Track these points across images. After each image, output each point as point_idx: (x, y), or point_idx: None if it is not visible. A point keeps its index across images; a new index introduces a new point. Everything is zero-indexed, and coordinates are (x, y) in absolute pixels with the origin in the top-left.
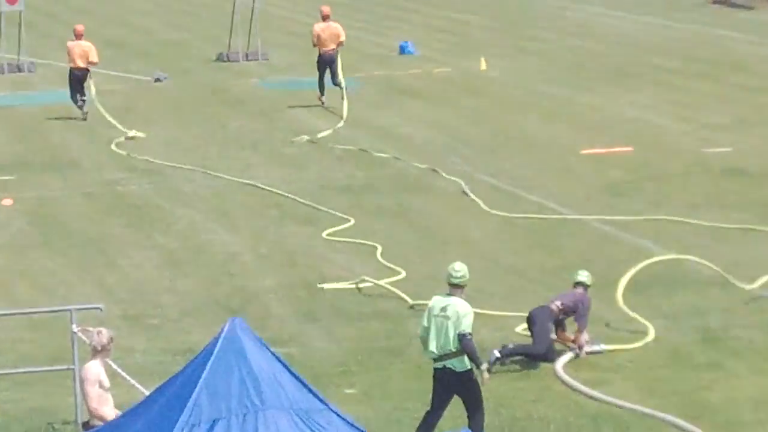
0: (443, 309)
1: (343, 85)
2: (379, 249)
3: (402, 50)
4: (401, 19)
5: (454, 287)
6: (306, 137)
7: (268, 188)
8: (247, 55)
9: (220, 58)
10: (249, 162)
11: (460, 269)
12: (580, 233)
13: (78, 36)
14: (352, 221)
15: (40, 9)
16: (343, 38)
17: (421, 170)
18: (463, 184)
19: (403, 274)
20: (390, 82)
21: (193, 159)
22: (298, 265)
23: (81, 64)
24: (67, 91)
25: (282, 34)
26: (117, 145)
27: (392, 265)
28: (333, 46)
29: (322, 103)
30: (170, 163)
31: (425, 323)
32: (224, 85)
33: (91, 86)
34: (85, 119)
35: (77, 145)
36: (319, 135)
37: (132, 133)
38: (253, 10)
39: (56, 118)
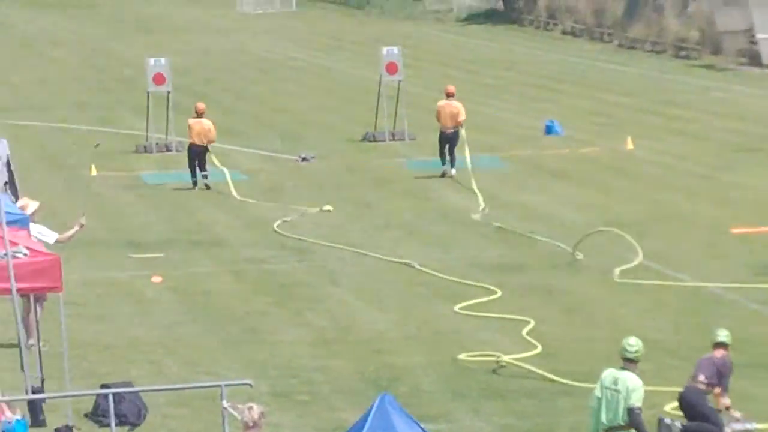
0: (614, 382)
1: (454, 164)
2: (531, 323)
3: (548, 130)
4: (548, 99)
5: (628, 362)
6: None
7: (416, 266)
8: (393, 135)
9: (366, 138)
10: (396, 240)
11: (634, 344)
12: (731, 312)
13: (199, 114)
14: (499, 293)
15: (189, 89)
16: (462, 118)
17: (567, 249)
18: (609, 264)
19: (539, 348)
20: (536, 162)
21: (340, 237)
22: (445, 341)
23: (199, 141)
24: (211, 170)
25: (427, 114)
26: (279, 226)
27: (534, 341)
28: (452, 124)
29: (443, 174)
30: (319, 241)
31: (598, 394)
32: (370, 164)
33: (214, 161)
34: (208, 188)
35: (225, 223)
36: (473, 216)
37: (327, 207)
38: (398, 91)
39: (204, 196)
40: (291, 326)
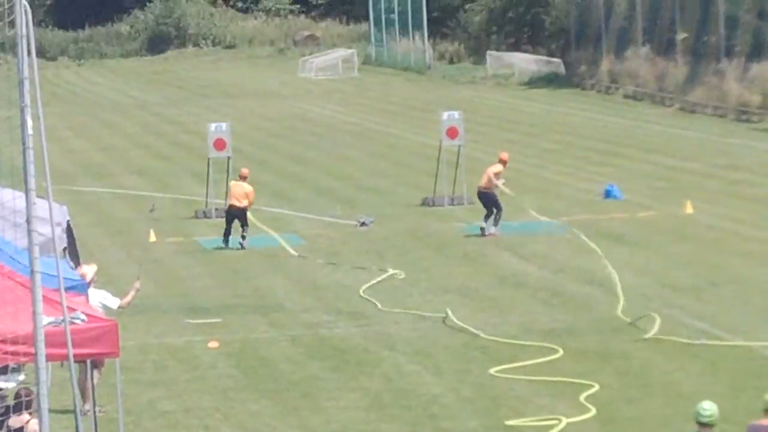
0: None
1: (497, 223)
2: (596, 387)
3: (607, 194)
4: (608, 163)
5: (703, 426)
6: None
7: (472, 329)
8: (452, 200)
9: (425, 203)
10: (453, 305)
11: (709, 408)
12: None
13: (242, 178)
14: (561, 352)
15: (249, 154)
16: (493, 180)
17: (624, 313)
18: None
19: (593, 411)
20: (595, 226)
21: (397, 302)
22: (501, 407)
23: (238, 204)
24: (270, 235)
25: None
26: (365, 291)
27: (590, 405)
28: (484, 183)
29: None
30: (376, 306)
31: None
32: (429, 229)
33: (264, 228)
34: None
35: (283, 288)
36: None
37: (393, 271)
38: (458, 155)
39: (262, 261)
40: (346, 391)
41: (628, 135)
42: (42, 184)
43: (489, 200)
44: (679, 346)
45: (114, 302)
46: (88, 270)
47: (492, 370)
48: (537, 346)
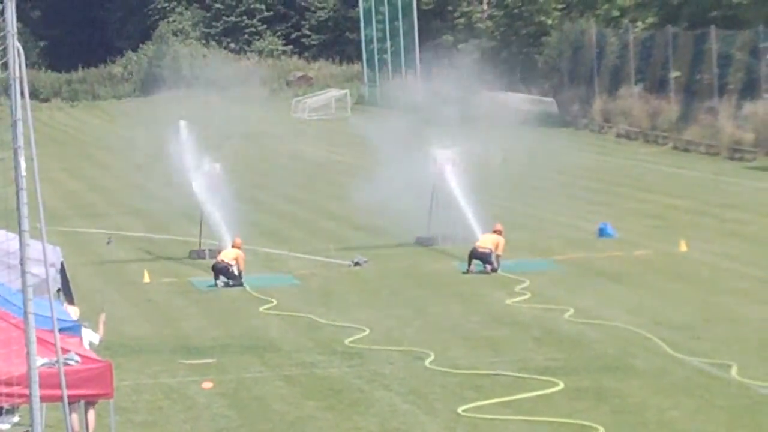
0: None
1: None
2: (601, 430)
3: (601, 233)
4: (601, 202)
5: None
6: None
7: (463, 371)
8: (446, 239)
9: (419, 242)
10: (446, 344)
11: None
12: None
13: (235, 246)
14: (561, 385)
15: (242, 194)
16: (500, 252)
17: (619, 351)
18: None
19: None
20: (589, 265)
21: (391, 341)
22: None
23: (226, 260)
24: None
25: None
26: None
27: None
28: (490, 247)
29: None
30: (369, 346)
31: None
32: (423, 268)
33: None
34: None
35: (277, 328)
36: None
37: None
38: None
39: (256, 302)
40: (341, 431)
41: (622, 174)
42: (36, 225)
43: (487, 260)
44: (675, 385)
45: (95, 338)
46: (71, 311)
47: (460, 409)
48: (536, 382)
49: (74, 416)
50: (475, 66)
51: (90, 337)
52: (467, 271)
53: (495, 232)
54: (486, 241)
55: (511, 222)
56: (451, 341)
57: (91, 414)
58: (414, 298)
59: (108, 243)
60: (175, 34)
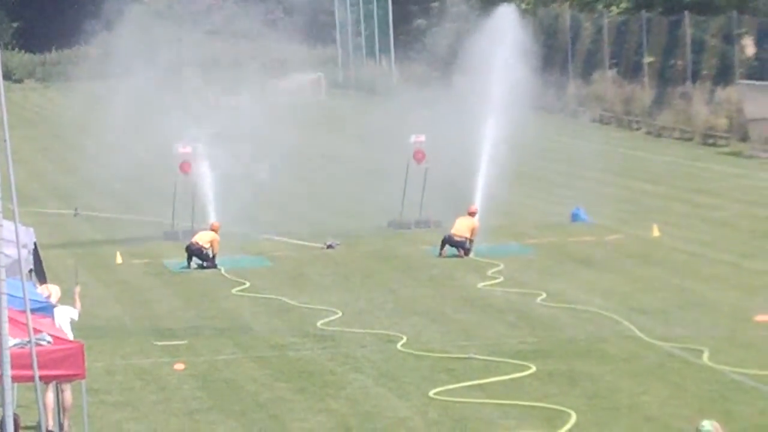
0: None
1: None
2: (574, 417)
3: (574, 217)
4: (574, 186)
5: None
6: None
7: (435, 354)
8: (418, 223)
9: (391, 226)
10: (419, 328)
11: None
12: (753, 401)
13: (212, 229)
14: (533, 368)
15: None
16: (475, 235)
17: (590, 335)
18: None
19: None
20: (562, 249)
21: (363, 324)
22: (468, 429)
23: (200, 242)
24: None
25: (452, 202)
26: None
27: (559, 428)
28: (466, 234)
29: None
30: (342, 328)
31: None
32: (395, 252)
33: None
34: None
35: (249, 310)
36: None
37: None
38: (425, 179)
39: (229, 284)
40: (312, 413)
41: (595, 158)
42: (8, 205)
43: (461, 247)
44: (647, 369)
45: (74, 313)
46: (53, 290)
47: (432, 392)
48: (508, 366)
49: (49, 395)
50: (449, 50)
51: (69, 313)
52: (439, 255)
53: (470, 213)
54: (462, 229)
55: (485, 206)
56: (424, 324)
57: (67, 393)
58: (386, 281)
59: (75, 215)
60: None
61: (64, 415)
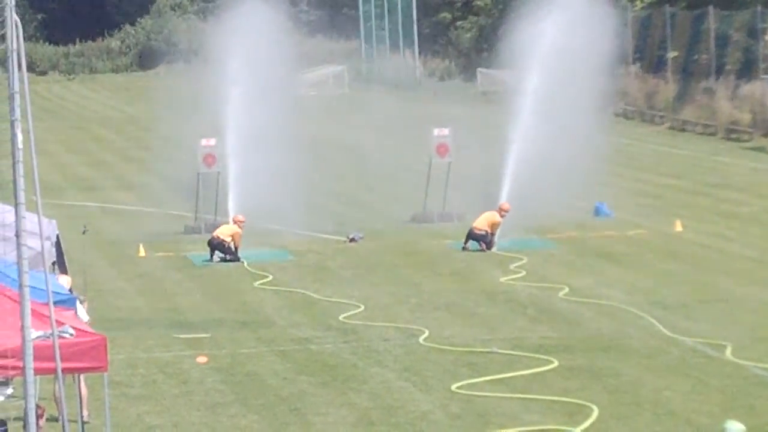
0: None
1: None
2: (596, 412)
3: (597, 212)
4: (597, 181)
5: None
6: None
7: (457, 348)
8: (441, 216)
9: (414, 220)
10: (441, 322)
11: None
12: None
13: (235, 222)
14: (555, 363)
15: (238, 170)
16: (493, 234)
17: (612, 330)
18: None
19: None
20: (584, 244)
21: (386, 318)
22: (490, 423)
23: (221, 236)
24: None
25: (475, 195)
26: (346, 317)
27: (579, 422)
28: (486, 226)
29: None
30: (364, 322)
31: None
32: (418, 246)
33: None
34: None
35: (271, 304)
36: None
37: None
38: (448, 172)
39: (252, 277)
40: (334, 406)
41: (618, 153)
42: (32, 198)
43: (482, 240)
44: (671, 366)
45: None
46: (64, 281)
47: (454, 386)
48: (530, 360)
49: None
50: (473, 43)
51: (81, 314)
52: (463, 249)
53: (502, 211)
54: (482, 222)
55: (507, 200)
56: (446, 318)
57: (82, 384)
58: (409, 275)
59: (83, 233)
60: (173, 8)
61: (82, 405)
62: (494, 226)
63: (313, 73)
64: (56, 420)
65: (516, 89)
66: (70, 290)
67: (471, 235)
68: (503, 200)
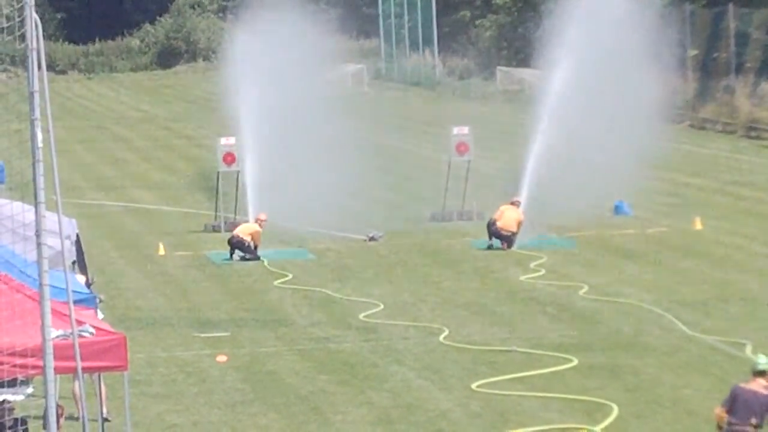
0: None
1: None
2: (616, 410)
3: (617, 210)
4: (616, 179)
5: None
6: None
7: (477, 347)
8: (461, 215)
9: (434, 218)
10: (461, 320)
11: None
12: None
13: (257, 221)
14: (575, 361)
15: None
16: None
17: (632, 328)
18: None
19: (598, 428)
20: (604, 242)
21: (406, 316)
22: (509, 422)
23: (241, 234)
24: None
25: (496, 193)
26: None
27: (598, 421)
28: (514, 226)
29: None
30: (384, 321)
31: None
32: (438, 244)
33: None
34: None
35: (291, 303)
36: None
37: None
38: (468, 171)
39: (272, 276)
40: (354, 405)
41: (638, 151)
42: (51, 197)
43: (508, 241)
44: (690, 364)
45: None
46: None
47: (474, 385)
48: (549, 359)
49: (75, 384)
50: (492, 42)
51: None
52: (490, 245)
53: (514, 203)
54: (510, 222)
55: (528, 198)
56: (466, 317)
57: (103, 384)
58: (429, 274)
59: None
60: (192, 7)
61: (102, 403)
62: (520, 224)
63: (333, 72)
64: (76, 419)
65: (541, 88)
66: (88, 286)
67: (497, 234)
68: (521, 197)
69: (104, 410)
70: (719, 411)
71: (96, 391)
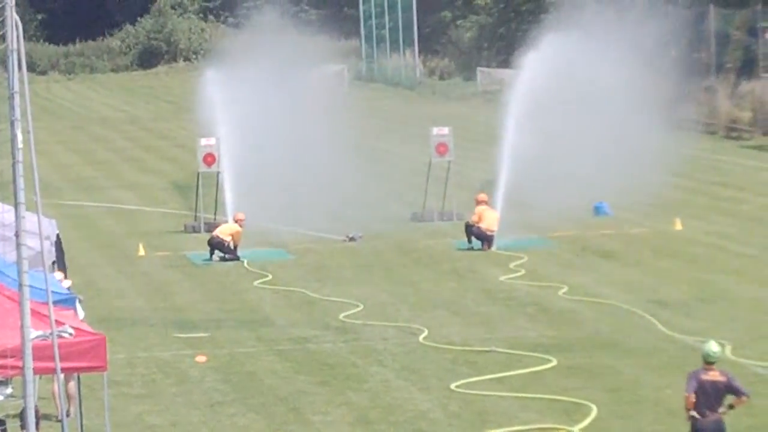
0: None
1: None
2: (595, 411)
3: (597, 210)
4: (597, 180)
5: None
6: None
7: (456, 347)
8: (441, 215)
9: (414, 218)
10: (440, 321)
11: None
12: None
13: (236, 220)
14: (554, 361)
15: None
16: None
17: (612, 328)
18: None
19: (576, 428)
20: (584, 242)
21: (385, 317)
22: (488, 422)
23: (221, 235)
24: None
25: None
26: (345, 317)
27: (578, 421)
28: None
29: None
30: (363, 321)
31: None
32: (418, 244)
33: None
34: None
35: (271, 303)
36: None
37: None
38: (448, 171)
39: (251, 276)
40: (333, 406)
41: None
42: (31, 197)
43: (489, 241)
44: (669, 363)
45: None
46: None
47: (453, 385)
48: (529, 359)
49: (71, 384)
50: (473, 42)
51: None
52: (470, 246)
53: (482, 202)
54: (492, 222)
55: (506, 198)
56: (445, 317)
57: (71, 382)
58: (408, 274)
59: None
60: (173, 7)
61: (69, 402)
62: (498, 222)
63: (313, 73)
64: (55, 419)
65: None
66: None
67: (480, 236)
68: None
69: (71, 409)
70: (690, 396)
71: (68, 390)
